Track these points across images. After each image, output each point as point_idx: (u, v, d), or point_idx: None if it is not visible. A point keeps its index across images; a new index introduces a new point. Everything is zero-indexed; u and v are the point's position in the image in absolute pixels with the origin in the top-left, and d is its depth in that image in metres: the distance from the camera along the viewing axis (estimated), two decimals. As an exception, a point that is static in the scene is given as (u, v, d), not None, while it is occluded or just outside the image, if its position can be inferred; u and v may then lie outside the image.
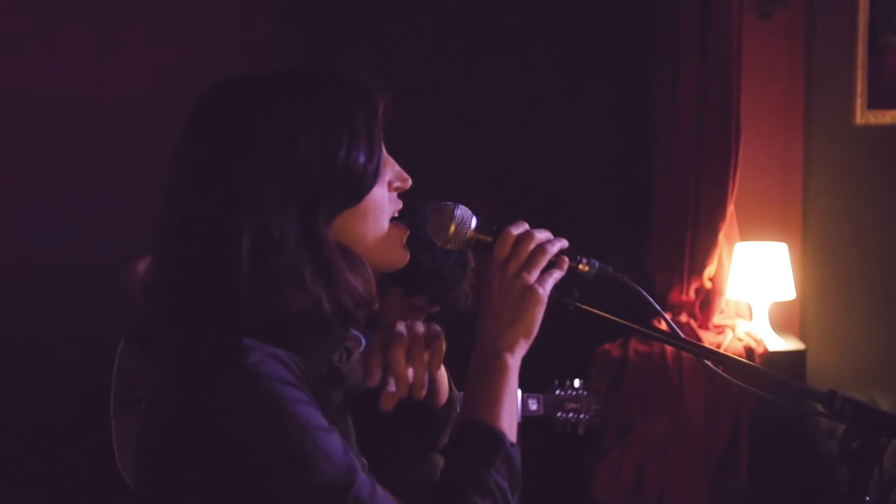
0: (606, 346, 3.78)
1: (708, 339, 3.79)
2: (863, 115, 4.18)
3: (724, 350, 3.76)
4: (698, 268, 3.79)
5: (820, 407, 1.53)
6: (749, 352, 3.74)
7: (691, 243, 3.77)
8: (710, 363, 1.57)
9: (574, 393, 2.86)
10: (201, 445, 1.22)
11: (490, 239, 1.46)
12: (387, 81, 1.40)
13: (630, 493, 3.69)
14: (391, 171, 1.40)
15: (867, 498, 1.51)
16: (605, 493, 3.70)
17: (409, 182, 1.42)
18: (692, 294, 3.84)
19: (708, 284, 3.86)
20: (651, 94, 3.86)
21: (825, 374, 4.06)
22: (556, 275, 1.44)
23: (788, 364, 3.78)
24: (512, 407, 1.38)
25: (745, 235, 3.98)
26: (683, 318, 3.84)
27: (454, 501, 1.29)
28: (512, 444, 1.35)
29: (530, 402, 2.78)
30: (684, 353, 3.71)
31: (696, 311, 3.88)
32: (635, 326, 1.53)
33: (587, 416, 2.87)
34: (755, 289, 3.82)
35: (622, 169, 4.08)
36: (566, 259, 1.46)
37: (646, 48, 3.94)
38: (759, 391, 1.59)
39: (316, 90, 1.33)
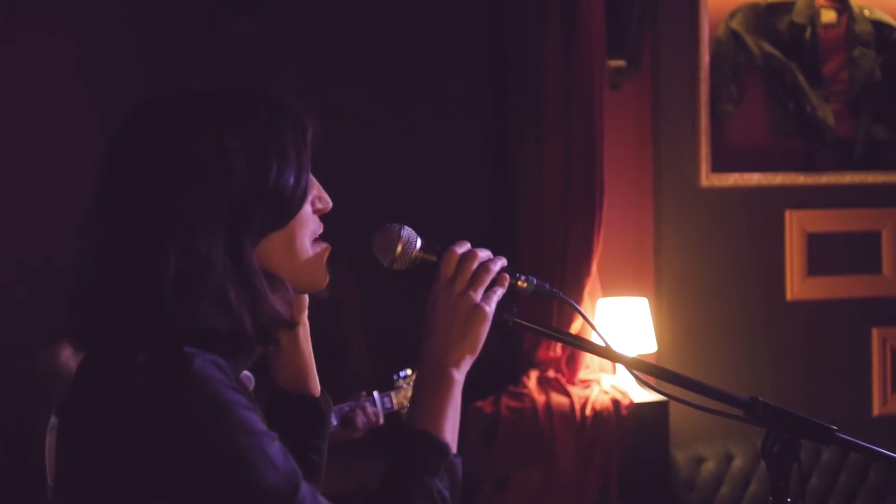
0: (479, 403, 3.84)
1: (576, 393, 3.90)
2: (707, 178, 4.42)
3: (592, 403, 3.88)
4: (565, 324, 3.91)
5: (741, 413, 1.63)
6: (616, 404, 3.86)
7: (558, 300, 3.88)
8: (637, 373, 1.64)
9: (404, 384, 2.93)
10: (148, 453, 1.22)
11: (434, 258, 1.51)
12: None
13: (508, 548, 3.74)
14: (315, 192, 1.42)
15: (788, 500, 1.60)
16: (484, 548, 3.74)
17: (330, 205, 1.44)
18: (559, 350, 3.95)
19: (574, 340, 3.97)
20: (514, 156, 3.99)
21: (686, 425, 4.21)
22: (499, 292, 1.50)
23: (653, 414, 3.92)
24: (455, 420, 1.43)
25: (604, 292, 4.13)
26: (551, 373, 3.94)
27: None
28: (455, 455, 1.39)
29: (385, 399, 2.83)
30: (554, 408, 3.83)
31: (563, 366, 3.99)
32: (570, 340, 1.61)
33: None
34: (618, 343, 3.96)
35: (486, 228, 4.18)
36: (507, 276, 1.53)
37: (505, 114, 4.08)
38: (684, 401, 1.67)
39: (247, 111, 1.35)
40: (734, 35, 4.46)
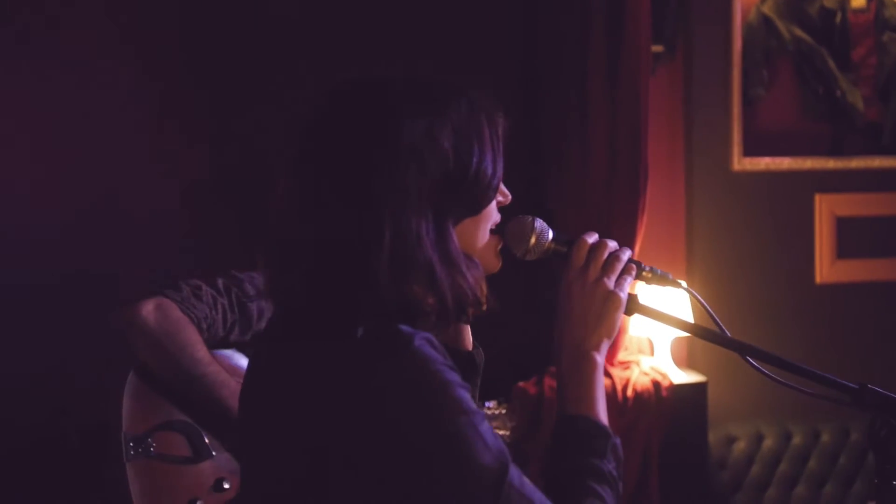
0: (522, 384, 3.89)
1: (616, 374, 3.95)
2: (739, 162, 4.47)
3: (633, 384, 3.94)
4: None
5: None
6: (656, 385, 3.91)
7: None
8: (752, 360, 1.69)
9: (491, 413, 2.95)
10: (367, 428, 1.26)
11: (564, 249, 1.56)
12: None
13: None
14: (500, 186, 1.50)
15: (895, 482, 1.65)
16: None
17: (510, 198, 1.52)
18: (599, 332, 4.00)
19: (613, 322, 4.01)
20: (552, 142, 4.03)
21: (718, 405, 4.28)
22: (629, 280, 1.55)
23: (692, 395, 3.98)
24: (604, 402, 1.48)
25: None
26: (591, 355, 3.98)
27: (575, 487, 1.37)
28: (615, 437, 1.44)
29: None
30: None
31: (602, 348, 4.03)
32: (686, 326, 1.66)
33: (506, 434, 2.96)
34: (656, 325, 4.02)
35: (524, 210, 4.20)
36: (633, 266, 1.58)
37: (539, 98, 4.11)
38: (795, 386, 1.71)
39: (453, 100, 1.41)
40: (765, 20, 4.50)
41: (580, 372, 1.47)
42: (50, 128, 3.68)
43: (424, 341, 1.30)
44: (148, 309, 2.15)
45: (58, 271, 3.54)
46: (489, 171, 1.41)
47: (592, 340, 1.49)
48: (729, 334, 1.69)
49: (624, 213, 3.90)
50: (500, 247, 1.51)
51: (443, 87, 1.42)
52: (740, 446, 4.37)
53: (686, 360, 4.38)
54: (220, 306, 2.18)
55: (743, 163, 4.48)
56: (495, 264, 1.51)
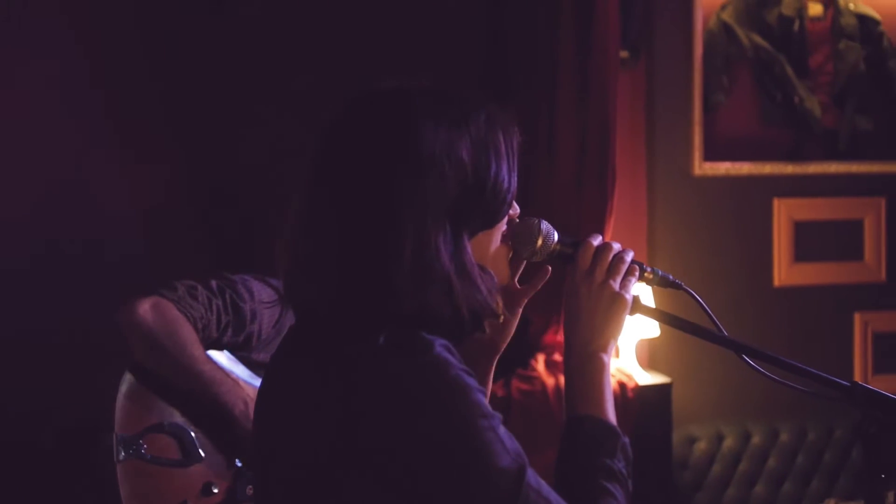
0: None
1: (583, 375, 3.99)
2: (700, 167, 4.54)
3: (599, 385, 3.98)
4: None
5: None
6: (622, 386, 3.97)
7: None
8: (747, 358, 1.73)
9: None
10: (388, 431, 1.28)
11: (570, 250, 1.59)
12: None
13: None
14: None
15: (882, 476, 1.70)
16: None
17: (518, 212, 1.54)
18: (565, 334, 4.04)
19: (580, 324, 4.05)
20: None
21: (680, 406, 4.34)
22: (633, 281, 1.58)
23: (657, 396, 4.03)
24: (612, 402, 1.51)
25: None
26: (557, 356, 4.03)
27: (587, 486, 1.39)
28: (624, 436, 1.47)
29: None
30: (563, 390, 3.91)
31: (569, 350, 4.08)
32: (685, 326, 1.70)
33: None
34: (628, 327, 4.06)
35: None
36: (636, 267, 1.61)
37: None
38: (789, 383, 1.75)
39: (472, 112, 1.42)
40: (725, 27, 4.58)
41: (588, 372, 1.50)
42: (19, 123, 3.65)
43: (443, 347, 1.32)
44: (145, 308, 2.15)
45: (28, 264, 3.52)
46: (505, 184, 1.43)
47: (600, 341, 1.52)
48: (727, 333, 1.73)
49: (592, 216, 3.94)
50: (510, 256, 1.53)
51: (462, 99, 1.43)
52: (701, 446, 4.44)
53: (648, 361, 4.44)
54: (214, 307, 2.19)
55: (703, 168, 4.55)
56: (506, 274, 1.53)
